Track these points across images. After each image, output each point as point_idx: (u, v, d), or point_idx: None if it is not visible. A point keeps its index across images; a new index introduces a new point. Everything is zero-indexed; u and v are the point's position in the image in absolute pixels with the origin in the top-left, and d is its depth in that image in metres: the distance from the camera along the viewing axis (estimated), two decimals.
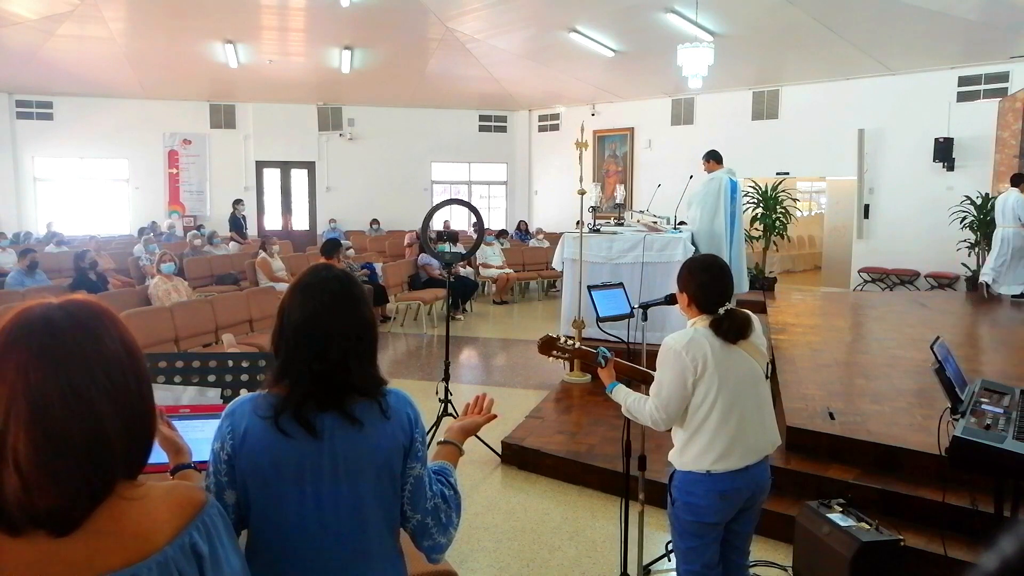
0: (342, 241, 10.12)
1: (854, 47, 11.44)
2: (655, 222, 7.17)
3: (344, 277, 1.67)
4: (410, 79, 15.23)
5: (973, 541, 3.45)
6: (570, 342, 3.06)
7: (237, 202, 15.51)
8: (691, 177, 7.70)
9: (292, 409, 1.54)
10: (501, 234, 14.44)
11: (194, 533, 1.15)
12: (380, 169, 17.00)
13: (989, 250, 9.85)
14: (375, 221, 16.60)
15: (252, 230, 16.15)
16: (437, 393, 5.60)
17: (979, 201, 10.59)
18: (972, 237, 10.73)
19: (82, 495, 1.06)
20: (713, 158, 7.58)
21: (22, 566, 1.04)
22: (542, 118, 17.59)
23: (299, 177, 17.18)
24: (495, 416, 2.02)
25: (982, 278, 9.77)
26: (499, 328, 10.67)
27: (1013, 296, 9.41)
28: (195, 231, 13.47)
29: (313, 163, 17.05)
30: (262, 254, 10.66)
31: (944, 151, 11.55)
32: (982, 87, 11.46)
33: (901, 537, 3.09)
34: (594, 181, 12.43)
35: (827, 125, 12.81)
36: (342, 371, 1.58)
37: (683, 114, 15.01)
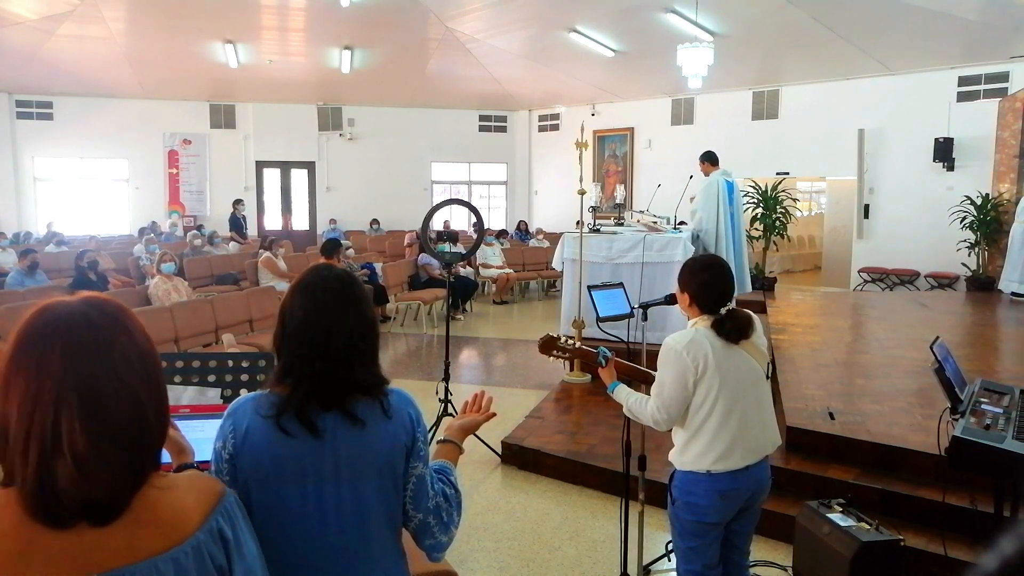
0: (342, 241, 10.12)
1: (854, 47, 11.44)
2: (655, 222, 7.16)
3: (345, 276, 1.68)
4: (410, 79, 15.22)
5: (973, 541, 3.45)
6: (570, 342, 3.06)
7: (237, 202, 15.51)
8: (691, 177, 7.68)
9: (294, 408, 1.54)
10: (501, 234, 14.43)
11: (220, 519, 1.21)
12: (380, 169, 16.99)
13: (989, 250, 9.77)
14: (375, 221, 16.60)
15: (252, 230, 16.16)
16: (437, 393, 5.60)
17: (979, 201, 10.59)
18: (972, 237, 10.72)
19: (127, 481, 1.12)
20: (708, 160, 7.48)
21: (64, 555, 1.08)
22: (542, 118, 17.59)
23: (299, 177, 17.18)
24: (494, 414, 2.02)
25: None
26: (499, 328, 10.67)
27: (1013, 295, 9.40)
28: (195, 231, 13.47)
29: (313, 163, 17.05)
30: (266, 254, 10.63)
31: (944, 151, 11.55)
32: (982, 87, 11.46)
33: (901, 537, 3.09)
34: (594, 181, 12.41)
35: (827, 125, 12.81)
36: (344, 370, 1.58)
37: (683, 114, 15.01)
